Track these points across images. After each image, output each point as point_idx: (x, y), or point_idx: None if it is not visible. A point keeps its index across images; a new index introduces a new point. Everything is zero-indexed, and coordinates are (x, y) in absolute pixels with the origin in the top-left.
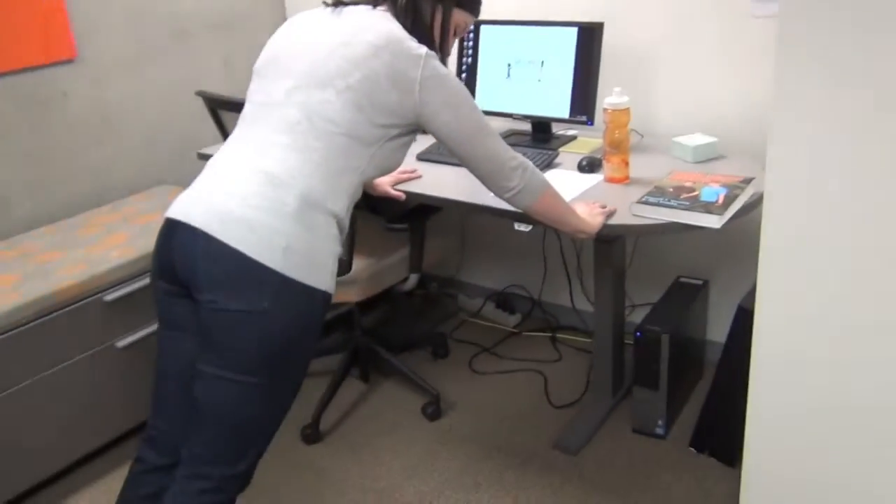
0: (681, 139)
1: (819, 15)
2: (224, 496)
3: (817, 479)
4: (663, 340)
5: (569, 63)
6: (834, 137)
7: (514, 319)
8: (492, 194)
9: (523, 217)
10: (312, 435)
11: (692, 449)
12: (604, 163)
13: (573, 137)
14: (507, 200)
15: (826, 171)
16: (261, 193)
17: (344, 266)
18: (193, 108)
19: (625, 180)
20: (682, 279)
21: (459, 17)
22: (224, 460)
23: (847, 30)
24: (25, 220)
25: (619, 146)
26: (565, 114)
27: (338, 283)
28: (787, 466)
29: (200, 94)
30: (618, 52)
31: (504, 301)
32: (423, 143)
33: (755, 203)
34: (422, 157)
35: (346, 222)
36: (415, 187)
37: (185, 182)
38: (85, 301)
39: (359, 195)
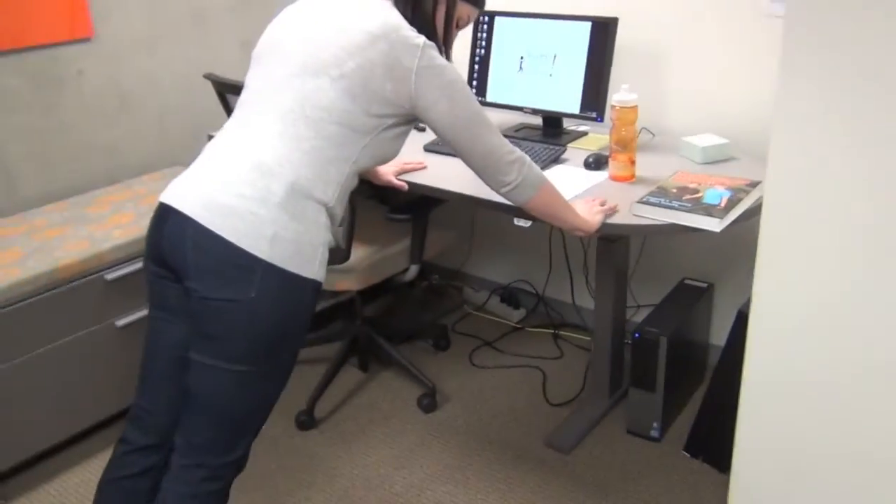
0: (690, 139)
1: (823, 19)
2: (222, 482)
3: (806, 490)
4: (661, 342)
5: (581, 58)
6: (834, 144)
7: (517, 314)
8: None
9: (523, 212)
10: (307, 421)
11: (686, 454)
12: (610, 160)
13: (584, 133)
14: (504, 195)
15: (826, 179)
16: (249, 181)
17: (342, 254)
18: (208, 90)
19: (630, 179)
20: (687, 281)
21: (464, 9)
22: (221, 448)
23: (851, 34)
24: (36, 196)
25: (625, 144)
26: (576, 109)
27: (336, 272)
28: (775, 477)
29: (209, 76)
30: (633, 49)
31: (509, 296)
32: (430, 134)
33: (759, 207)
34: (429, 149)
35: (338, 211)
36: (419, 178)
37: None
38: (86, 279)
39: (353, 184)
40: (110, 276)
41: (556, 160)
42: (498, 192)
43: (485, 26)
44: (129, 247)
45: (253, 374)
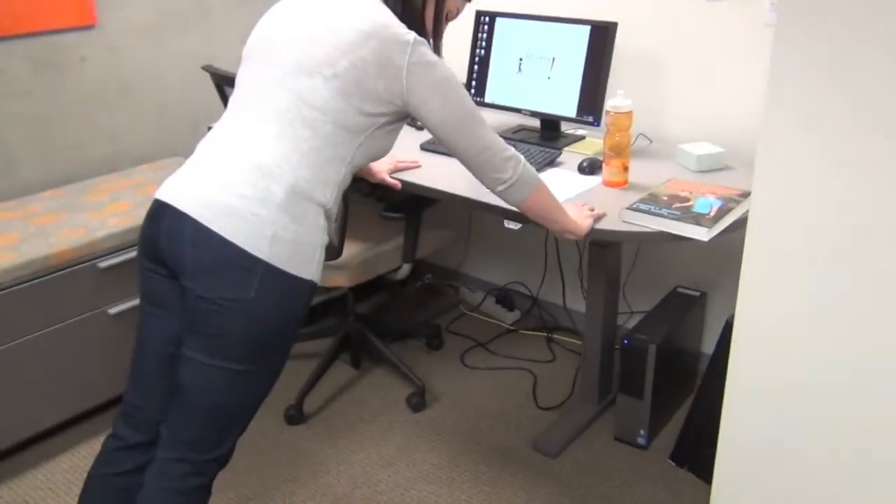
0: (686, 147)
1: (811, 34)
2: (206, 478)
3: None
4: (650, 350)
5: (579, 62)
6: (820, 158)
7: (512, 316)
8: (488, 190)
9: (513, 215)
10: (295, 416)
11: (672, 462)
12: (603, 166)
13: (581, 138)
14: (499, 194)
15: (810, 192)
16: (249, 182)
17: (335, 251)
18: (210, 82)
19: (623, 185)
20: (680, 289)
21: (453, 2)
22: (207, 444)
23: (841, 46)
24: (35, 182)
25: (619, 150)
26: (572, 113)
27: (328, 268)
28: (757, 489)
29: (207, 68)
30: (633, 55)
31: (504, 297)
32: (427, 132)
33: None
34: (425, 148)
35: (334, 211)
36: (413, 177)
37: None
38: (80, 266)
39: (348, 183)
40: (103, 264)
41: (552, 163)
42: (493, 190)
43: (485, 27)
44: (124, 235)
45: (246, 373)
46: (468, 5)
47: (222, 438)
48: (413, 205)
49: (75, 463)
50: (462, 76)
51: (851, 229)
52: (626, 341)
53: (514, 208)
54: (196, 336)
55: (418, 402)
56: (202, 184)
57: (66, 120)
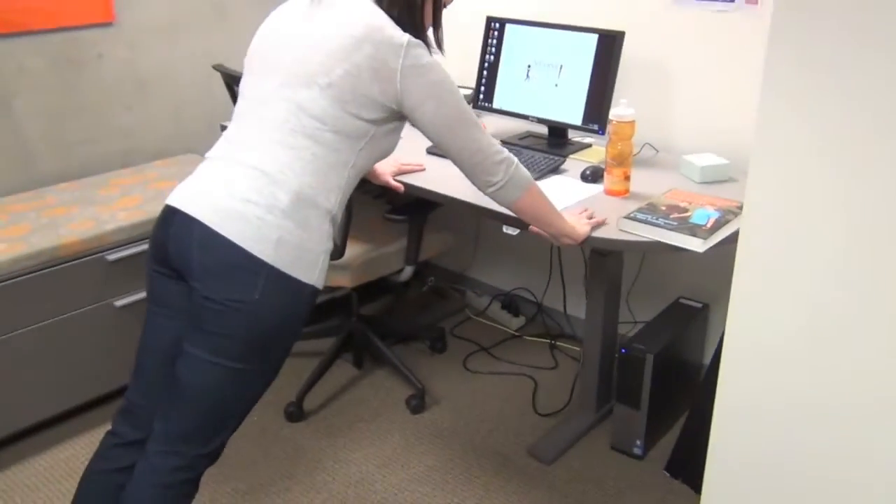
0: (690, 158)
1: (805, 44)
2: (194, 473)
3: None
4: (647, 360)
5: (586, 70)
6: (812, 170)
7: (517, 322)
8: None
9: (512, 220)
10: (295, 413)
11: (667, 473)
12: (605, 174)
13: (588, 146)
14: (491, 195)
15: (803, 205)
16: (255, 189)
17: (337, 251)
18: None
19: (624, 194)
20: (683, 300)
21: None
22: (199, 439)
23: (833, 60)
24: (51, 175)
25: (621, 159)
26: (578, 121)
27: (330, 267)
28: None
29: (218, 68)
30: (643, 64)
31: (510, 303)
32: None
33: None
34: (431, 151)
35: (339, 216)
36: (417, 180)
37: None
38: (88, 258)
39: (353, 186)
40: (111, 256)
41: (555, 170)
42: (485, 192)
43: (495, 33)
44: (133, 229)
45: (244, 372)
46: (479, 10)
47: (215, 434)
48: (417, 208)
49: (76, 452)
50: (471, 81)
51: (847, 243)
52: (623, 351)
53: (510, 212)
54: (199, 333)
55: (417, 404)
56: (210, 190)
57: (82, 115)
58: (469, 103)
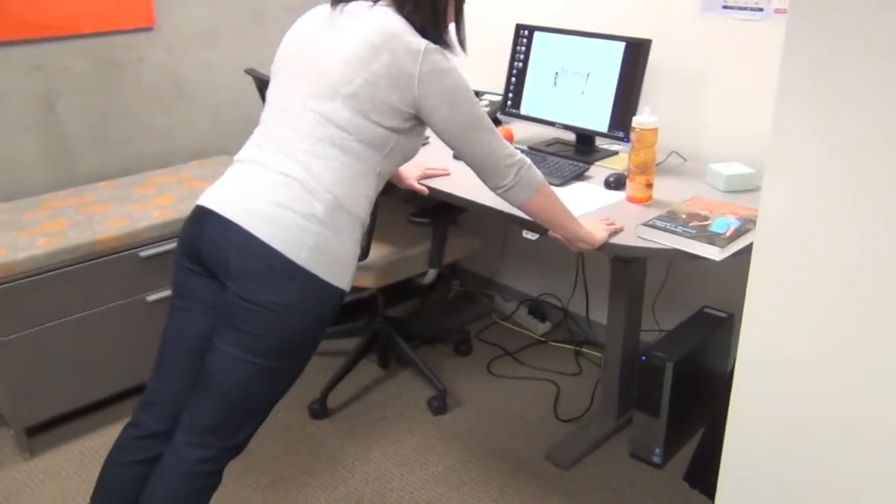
0: (716, 166)
1: (820, 48)
2: (219, 465)
3: None
4: (667, 368)
5: (613, 77)
6: (827, 176)
7: (543, 328)
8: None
9: (532, 225)
10: (319, 410)
11: (686, 483)
12: (627, 182)
13: (614, 153)
14: (501, 196)
15: (817, 217)
16: (292, 196)
17: (362, 252)
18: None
19: (646, 201)
20: (707, 309)
21: None
22: (226, 432)
23: (847, 64)
24: (92, 173)
25: (644, 167)
26: (604, 128)
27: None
28: None
29: (250, 72)
30: (672, 73)
31: (536, 308)
32: None
33: None
34: (457, 157)
35: (367, 220)
36: (441, 184)
37: None
38: (122, 254)
39: (378, 192)
40: (144, 253)
41: (579, 177)
42: (495, 192)
43: (524, 40)
44: (165, 227)
45: (273, 370)
46: (509, 17)
47: (241, 428)
48: (441, 211)
49: (107, 440)
50: (500, 88)
51: (863, 254)
52: (643, 358)
53: (526, 216)
54: (231, 330)
55: (439, 405)
56: (246, 193)
57: (123, 116)
58: (497, 110)
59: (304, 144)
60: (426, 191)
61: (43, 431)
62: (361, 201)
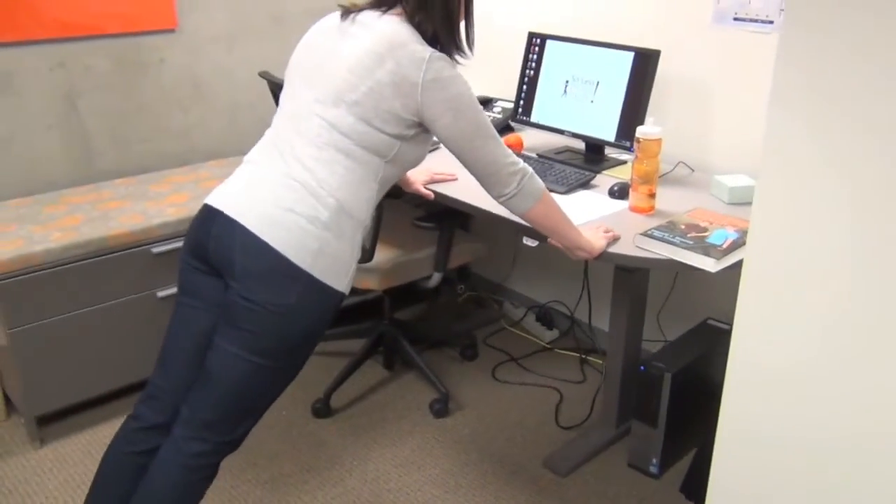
0: (721, 178)
1: (814, 59)
2: (215, 458)
3: None
4: (665, 378)
5: (621, 87)
6: (819, 188)
7: (550, 335)
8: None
9: (532, 232)
10: (322, 410)
11: (682, 494)
12: (630, 192)
13: (622, 162)
14: (503, 204)
15: (809, 232)
16: (297, 200)
17: (366, 254)
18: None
19: (649, 211)
20: (711, 321)
21: None
22: (224, 427)
23: (841, 75)
24: (110, 170)
25: (647, 177)
26: (611, 137)
27: (360, 270)
28: None
29: (263, 75)
30: (680, 83)
31: (544, 315)
32: None
33: None
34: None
35: (369, 223)
36: (447, 189)
37: None
38: (134, 250)
39: (381, 197)
40: (156, 249)
41: (585, 185)
42: (497, 200)
43: (536, 48)
44: (178, 224)
45: (272, 369)
46: (522, 25)
47: (238, 424)
48: (446, 216)
49: (114, 432)
50: (511, 95)
51: (855, 266)
52: (642, 368)
53: (526, 223)
54: (232, 329)
55: (441, 408)
56: (253, 195)
57: (143, 115)
58: (509, 117)
59: (310, 149)
60: (432, 195)
61: (53, 421)
62: (363, 205)
